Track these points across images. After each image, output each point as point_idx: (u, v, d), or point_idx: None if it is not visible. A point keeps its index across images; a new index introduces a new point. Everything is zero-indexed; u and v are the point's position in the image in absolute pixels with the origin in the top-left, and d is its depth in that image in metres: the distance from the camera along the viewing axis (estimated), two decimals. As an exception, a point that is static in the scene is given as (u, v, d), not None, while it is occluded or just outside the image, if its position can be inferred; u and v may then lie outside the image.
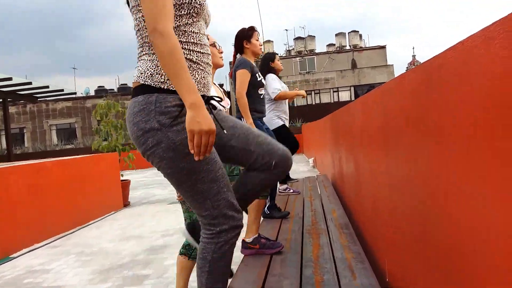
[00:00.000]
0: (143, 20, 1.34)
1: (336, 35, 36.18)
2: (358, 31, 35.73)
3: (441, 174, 1.18)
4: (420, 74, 1.36)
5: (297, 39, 36.34)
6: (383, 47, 33.52)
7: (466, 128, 0.99)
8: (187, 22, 1.36)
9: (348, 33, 35.76)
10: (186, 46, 1.35)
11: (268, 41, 36.64)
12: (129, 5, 1.45)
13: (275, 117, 4.42)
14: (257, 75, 3.30)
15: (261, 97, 3.36)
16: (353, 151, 3.21)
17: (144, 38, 1.37)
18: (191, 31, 1.37)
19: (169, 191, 9.02)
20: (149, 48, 1.36)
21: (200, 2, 1.38)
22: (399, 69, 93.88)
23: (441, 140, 1.17)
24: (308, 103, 29.91)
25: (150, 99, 1.31)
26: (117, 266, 3.66)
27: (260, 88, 3.35)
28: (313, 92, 30.67)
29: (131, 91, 1.42)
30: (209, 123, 1.21)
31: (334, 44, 35.91)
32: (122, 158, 7.46)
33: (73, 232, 5.43)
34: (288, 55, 36.14)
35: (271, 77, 4.33)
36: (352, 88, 30.63)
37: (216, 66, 2.42)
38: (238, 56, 3.50)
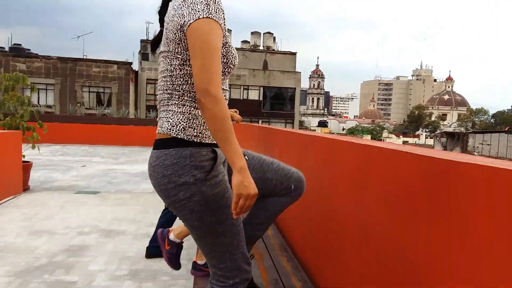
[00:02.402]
0: (179, 68, 1.33)
1: (252, 33, 36.92)
2: (272, 34, 36.91)
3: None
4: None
5: (214, 30, 36.18)
6: (294, 54, 35.14)
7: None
8: None
9: (263, 33, 36.71)
10: None
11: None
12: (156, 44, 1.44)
13: None
14: None
15: None
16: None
17: (175, 86, 1.35)
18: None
19: (71, 176, 8.45)
20: (179, 98, 1.35)
21: (235, 63, 1.41)
22: (305, 75, 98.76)
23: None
24: (218, 96, 30.06)
25: (184, 153, 1.31)
26: (34, 268, 3.40)
27: None
28: (223, 86, 30.89)
29: (157, 141, 1.38)
30: (254, 187, 1.26)
31: (248, 42, 36.58)
32: (25, 137, 6.79)
33: (-34, 219, 4.83)
34: (202, 44, 35.76)
35: None
36: (262, 89, 31.58)
37: None
38: None
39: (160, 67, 1.41)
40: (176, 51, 1.32)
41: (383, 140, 64.87)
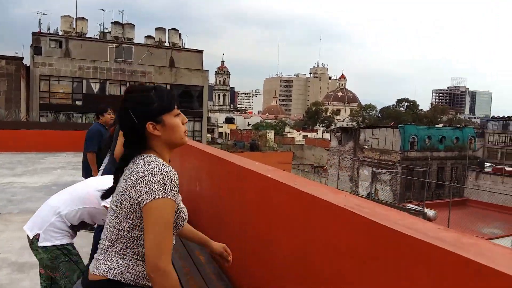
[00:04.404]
0: (128, 231, 1.38)
1: (157, 29, 35.77)
2: (178, 30, 36.19)
3: None
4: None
5: (115, 23, 34.34)
6: (201, 52, 34.97)
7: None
8: None
9: (169, 30, 35.84)
10: None
11: (82, 19, 33.44)
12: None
13: None
14: None
15: None
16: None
17: (119, 243, 1.39)
18: None
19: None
20: (121, 249, 1.39)
21: (183, 224, 1.49)
22: (211, 71, 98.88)
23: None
24: (122, 93, 28.67)
25: None
26: None
27: None
28: (128, 83, 29.54)
29: (91, 282, 1.40)
30: None
31: (153, 38, 35.40)
32: None
33: None
34: (102, 37, 33.77)
35: None
36: (169, 86, 30.87)
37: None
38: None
39: (108, 219, 1.45)
40: (128, 217, 1.38)
41: (285, 135, 67.80)
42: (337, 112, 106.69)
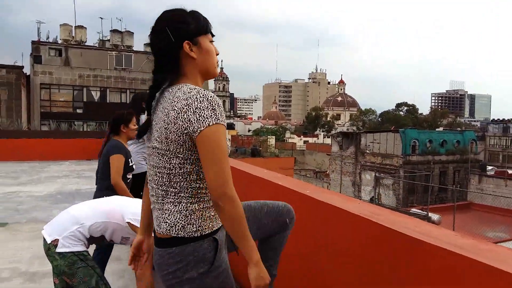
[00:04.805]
0: (179, 167, 1.33)
1: (156, 36, 35.89)
2: (178, 37, 36.25)
3: None
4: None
5: (114, 31, 34.45)
6: (201, 58, 35.04)
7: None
8: None
9: (169, 37, 35.95)
10: None
11: (81, 27, 33.58)
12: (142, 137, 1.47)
13: (142, 159, 4.26)
14: (129, 160, 3.40)
15: (128, 181, 3.42)
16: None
17: (172, 183, 1.35)
18: None
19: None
20: (175, 195, 1.35)
21: (228, 151, 1.44)
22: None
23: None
24: (123, 101, 28.79)
25: (187, 250, 1.34)
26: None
27: (129, 173, 3.44)
28: (128, 91, 29.69)
29: (158, 239, 1.42)
30: (268, 276, 1.37)
31: (153, 45, 35.49)
32: None
33: None
34: (102, 45, 33.91)
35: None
36: (169, 94, 30.97)
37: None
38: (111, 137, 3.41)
39: (153, 161, 1.40)
40: (178, 151, 1.33)
41: (286, 141, 67.78)
42: (337, 117, 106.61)
